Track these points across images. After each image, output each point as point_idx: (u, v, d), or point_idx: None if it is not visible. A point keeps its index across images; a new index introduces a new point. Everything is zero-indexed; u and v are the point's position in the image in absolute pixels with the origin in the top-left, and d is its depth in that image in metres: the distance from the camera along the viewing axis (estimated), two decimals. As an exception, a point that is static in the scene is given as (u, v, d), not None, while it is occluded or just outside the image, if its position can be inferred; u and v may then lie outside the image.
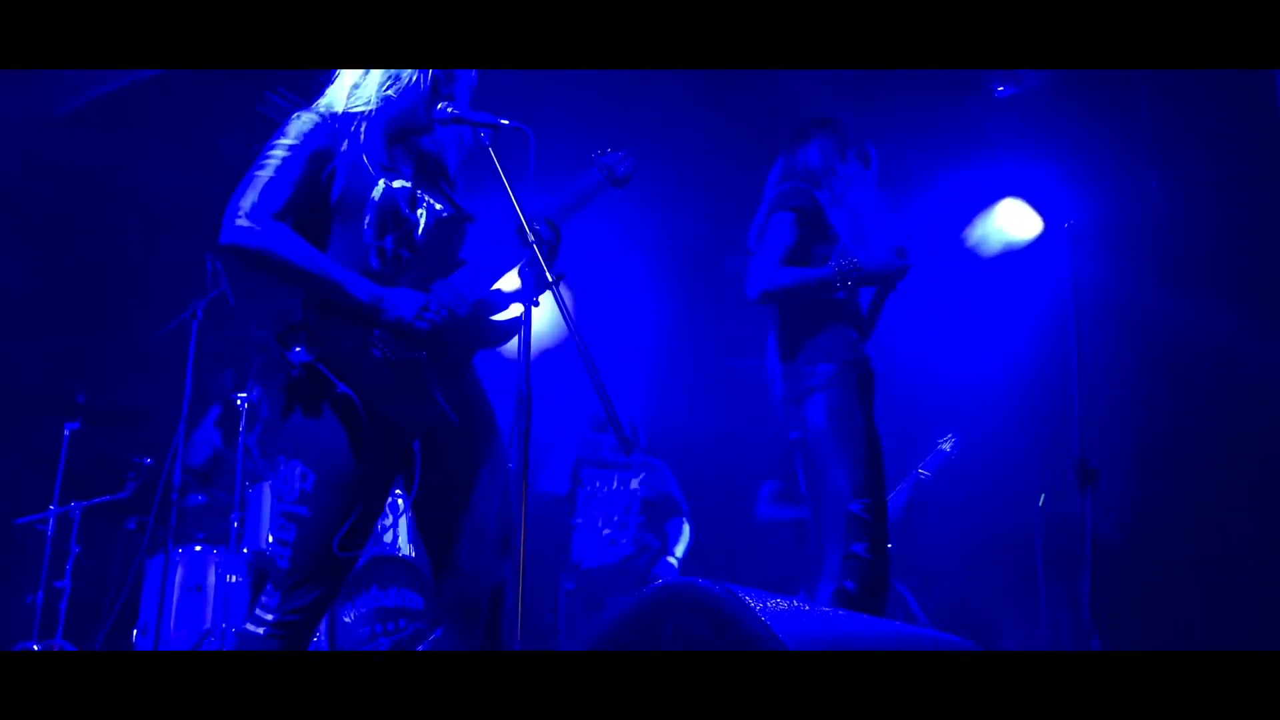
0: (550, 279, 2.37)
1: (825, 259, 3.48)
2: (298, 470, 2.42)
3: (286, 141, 2.49)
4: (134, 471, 5.13)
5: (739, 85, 5.52)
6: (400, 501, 4.83)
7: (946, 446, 5.79)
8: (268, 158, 2.48)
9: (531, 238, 2.41)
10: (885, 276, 3.49)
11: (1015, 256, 6.01)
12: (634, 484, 5.55)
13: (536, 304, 2.45)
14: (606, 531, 5.43)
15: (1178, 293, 5.36)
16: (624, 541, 5.40)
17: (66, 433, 5.12)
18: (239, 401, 4.99)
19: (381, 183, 2.53)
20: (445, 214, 2.65)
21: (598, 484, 5.59)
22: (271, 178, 2.44)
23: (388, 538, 4.77)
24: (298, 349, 2.35)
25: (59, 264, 5.52)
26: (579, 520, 5.52)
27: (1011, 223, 6.12)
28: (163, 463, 4.63)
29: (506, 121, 2.54)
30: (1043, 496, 6.37)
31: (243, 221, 2.39)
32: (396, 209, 2.54)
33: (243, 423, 4.92)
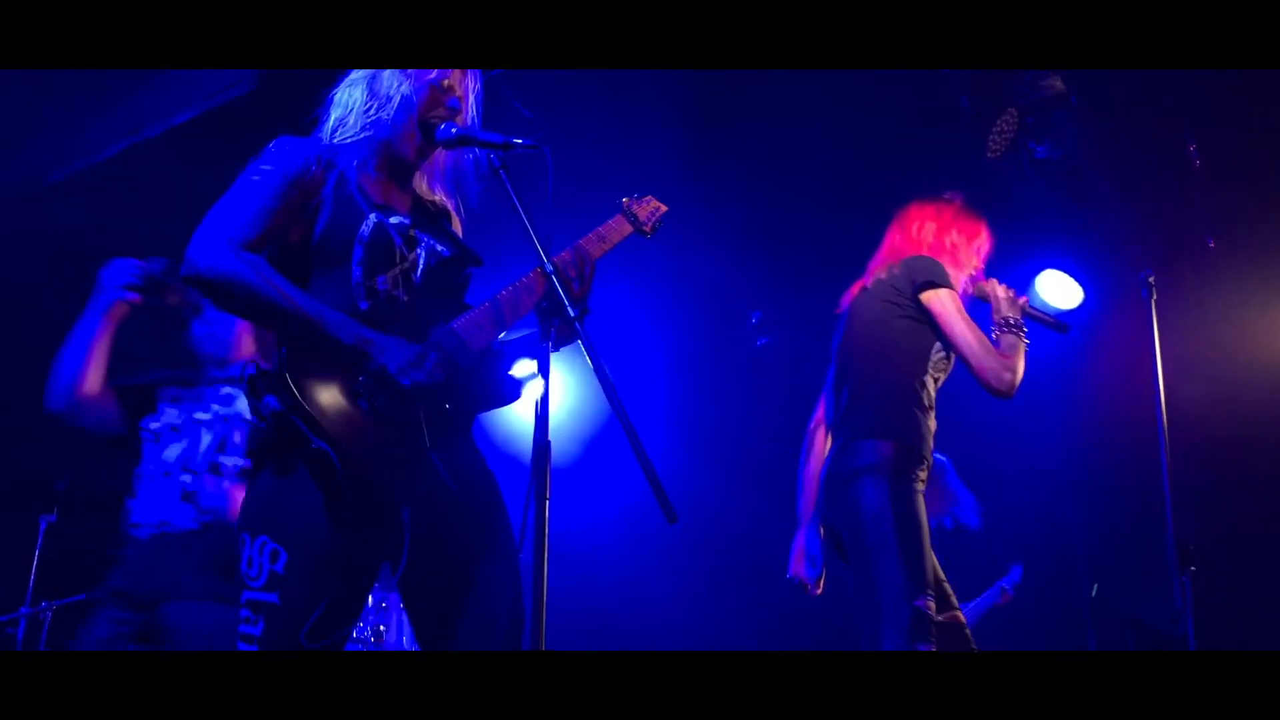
0: (574, 314, 1.99)
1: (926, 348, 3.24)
2: (266, 548, 2.00)
3: (265, 167, 2.16)
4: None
5: (763, 158, 5.28)
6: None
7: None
8: (242, 184, 2.14)
9: (551, 268, 2.04)
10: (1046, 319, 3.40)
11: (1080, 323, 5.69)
12: (239, 405, 3.37)
13: (556, 349, 2.07)
14: (185, 478, 3.26)
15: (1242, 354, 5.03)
16: (208, 494, 3.22)
17: (42, 525, 4.72)
18: (229, 488, 4.58)
19: (373, 216, 2.19)
20: (447, 254, 2.30)
21: (177, 412, 3.36)
22: (244, 205, 2.10)
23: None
24: (268, 397, 1.96)
25: (41, 339, 5.17)
26: (143, 468, 3.32)
27: (1053, 293, 5.81)
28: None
29: (520, 141, 2.20)
30: (1095, 586, 5.98)
31: (207, 250, 2.04)
32: (390, 245, 2.19)
33: (232, 511, 4.50)
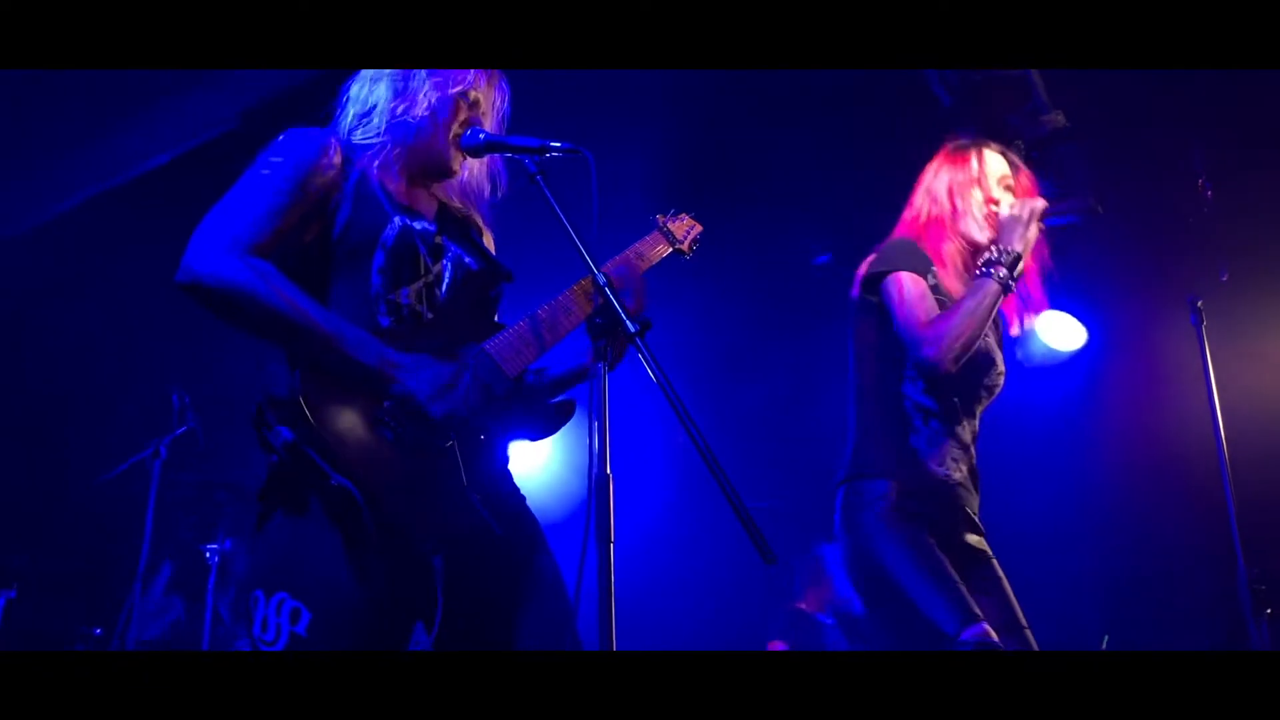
0: (633, 329, 1.74)
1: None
2: (285, 606, 1.72)
3: (275, 159, 1.91)
4: (81, 645, 4.36)
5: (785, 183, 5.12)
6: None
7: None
8: (249, 178, 1.89)
9: (604, 280, 1.80)
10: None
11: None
12: None
13: (611, 366, 1.82)
14: None
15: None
16: None
17: (1, 602, 4.35)
18: (207, 555, 4.26)
19: (397, 219, 1.96)
20: (475, 267, 2.06)
21: None
22: (252, 202, 1.85)
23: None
24: (280, 428, 1.69)
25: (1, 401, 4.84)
26: None
27: (1053, 334, 5.66)
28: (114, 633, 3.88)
29: (558, 144, 1.97)
30: (1105, 638, 5.77)
31: (208, 255, 1.78)
32: (414, 253, 1.95)
33: (211, 580, 4.17)
